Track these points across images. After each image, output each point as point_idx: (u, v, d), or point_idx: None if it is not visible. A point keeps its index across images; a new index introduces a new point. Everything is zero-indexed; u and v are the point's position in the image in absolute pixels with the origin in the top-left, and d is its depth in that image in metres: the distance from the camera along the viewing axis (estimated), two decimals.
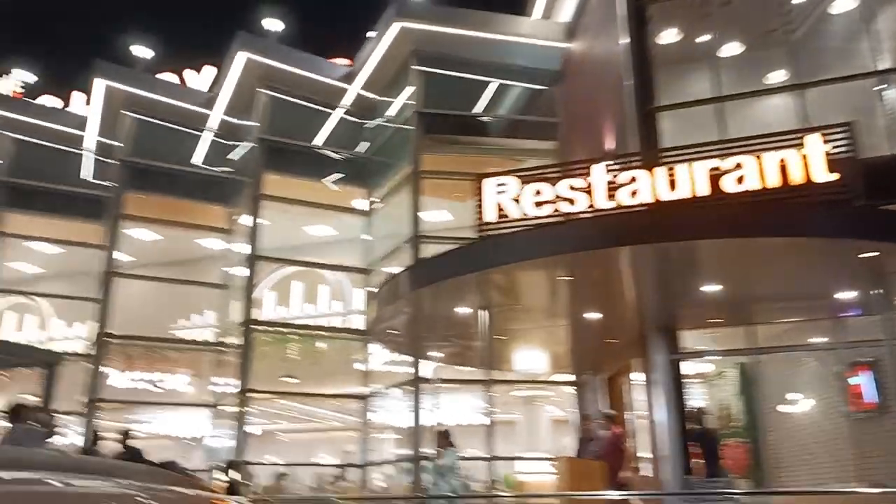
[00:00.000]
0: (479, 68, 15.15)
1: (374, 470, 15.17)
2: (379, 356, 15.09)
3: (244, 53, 15.07)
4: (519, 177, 9.08)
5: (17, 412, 7.79)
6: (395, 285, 9.23)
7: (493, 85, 15.34)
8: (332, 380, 15.95)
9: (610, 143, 11.62)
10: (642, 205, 8.33)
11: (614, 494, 8.61)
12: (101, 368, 14.87)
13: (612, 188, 8.57)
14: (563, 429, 15.94)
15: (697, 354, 10.77)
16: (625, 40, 11.01)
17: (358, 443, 15.65)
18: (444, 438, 11.28)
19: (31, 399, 10.91)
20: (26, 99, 19.36)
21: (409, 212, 14.06)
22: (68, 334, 18.44)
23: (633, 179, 8.54)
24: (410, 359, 13.41)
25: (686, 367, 9.97)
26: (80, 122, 17.11)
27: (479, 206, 8.97)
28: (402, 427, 14.63)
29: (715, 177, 8.26)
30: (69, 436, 16.10)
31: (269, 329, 15.17)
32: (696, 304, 9.46)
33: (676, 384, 9.50)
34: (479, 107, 15.19)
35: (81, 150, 17.24)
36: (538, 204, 8.85)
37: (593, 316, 10.09)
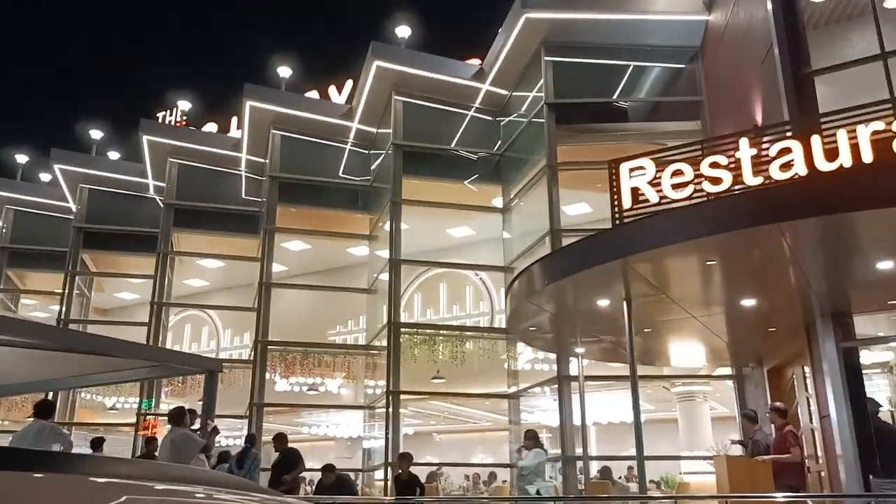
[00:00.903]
0: (612, 52, 14.57)
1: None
2: (525, 354, 14.88)
3: (376, 62, 15.41)
4: (654, 159, 8.54)
5: (177, 417, 8.32)
6: (528, 279, 8.97)
7: (629, 68, 14.68)
8: (480, 380, 15.91)
9: (759, 117, 10.71)
10: (796, 178, 7.53)
11: (784, 497, 7.85)
12: (263, 374, 15.72)
13: (762, 162, 7.83)
14: (725, 426, 14.95)
15: (875, 341, 9.66)
16: (772, 3, 10.10)
17: (508, 443, 15.50)
18: (529, 439, 10.90)
19: (183, 404, 11.73)
20: (190, 127, 20.91)
21: (547, 206, 13.74)
22: (236, 343, 19.79)
23: (786, 151, 7.75)
24: (555, 356, 13.09)
25: (862, 356, 8.95)
26: (236, 144, 18.23)
27: (615, 192, 8.52)
28: (551, 426, 14.31)
29: (880, 141, 7.31)
30: (233, 438, 17.25)
31: (415, 331, 15.39)
32: (871, 285, 8.45)
33: (851, 374, 8.54)
34: (615, 92, 14.59)
35: (238, 170, 18.36)
36: (678, 186, 8.27)
37: (751, 302, 9.29)
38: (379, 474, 15.12)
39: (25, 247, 19.86)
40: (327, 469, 10.94)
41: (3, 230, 20.00)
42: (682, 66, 14.42)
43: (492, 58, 15.51)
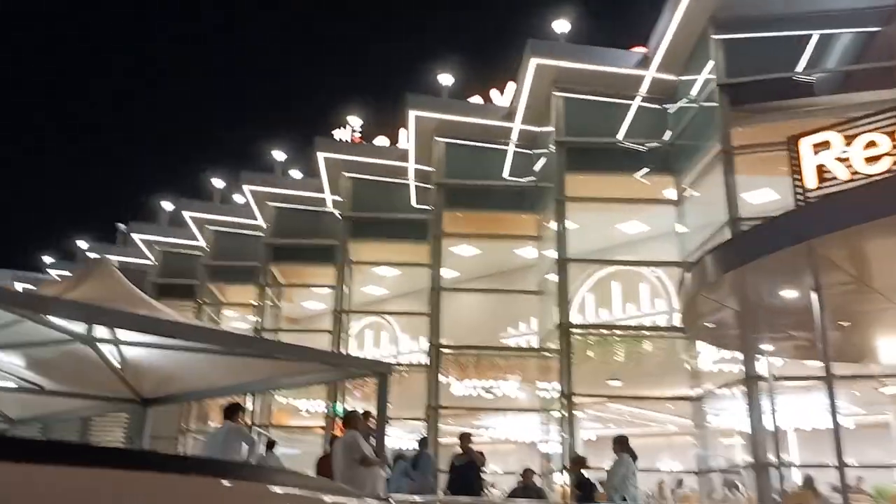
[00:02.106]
0: (791, 22, 13.30)
1: (716, 477, 13.96)
2: (709, 354, 13.92)
3: (535, 60, 15.20)
4: (840, 131, 7.61)
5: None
6: (701, 272, 8.32)
7: (811, 38, 13.32)
8: (659, 381, 15.13)
9: None
10: None
11: None
12: (437, 377, 15.99)
13: None
14: None
15: None
16: None
17: (695, 448, 14.58)
18: (617, 444, 10.18)
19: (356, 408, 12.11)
20: (363, 142, 21.88)
21: (724, 195, 12.78)
22: (413, 347, 20.33)
23: None
24: (741, 355, 12.10)
25: None
26: (403, 154, 18.80)
27: (796, 171, 7.70)
28: (739, 430, 13.26)
29: None
30: (404, 441, 17.68)
31: (588, 331, 14.95)
32: None
33: None
34: (796, 66, 13.29)
35: (407, 179, 18.91)
36: (872, 159, 7.31)
37: None
38: (558, 478, 14.82)
39: (224, 263, 21.72)
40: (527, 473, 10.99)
41: (206, 249, 21.99)
42: (875, 28, 12.86)
43: (655, 43, 14.76)
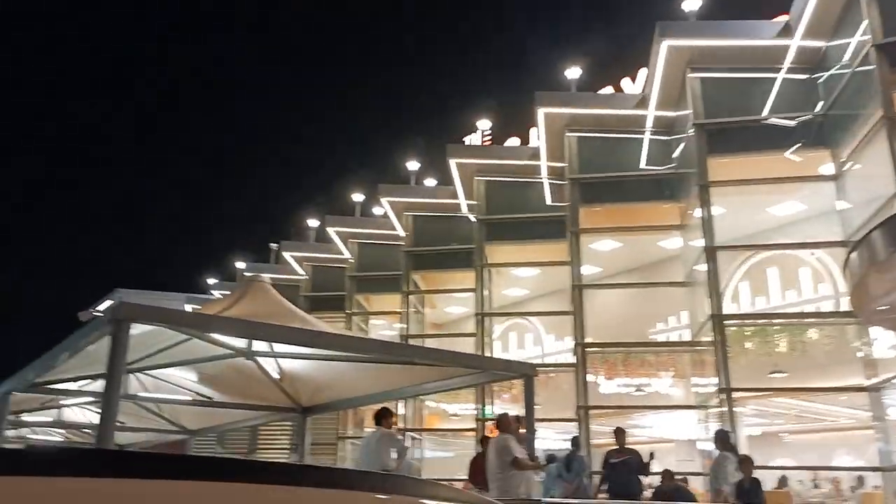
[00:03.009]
0: None
1: None
2: (884, 339, 12.73)
3: (665, 42, 14.59)
4: None
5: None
6: (868, 249, 7.59)
7: None
8: (828, 372, 14.01)
9: None
10: None
11: None
12: (585, 376, 15.68)
13: None
14: None
15: None
16: None
17: (876, 442, 13.36)
18: (718, 441, 9.55)
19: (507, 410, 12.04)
20: (494, 145, 21.94)
21: (890, 164, 11.64)
22: (559, 347, 20.08)
23: None
24: None
25: None
26: (535, 153, 18.65)
27: None
28: None
29: None
30: (562, 441, 17.39)
31: (744, 322, 14.12)
32: None
33: None
34: None
35: (540, 178, 18.73)
36: None
37: None
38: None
39: (369, 274, 22.48)
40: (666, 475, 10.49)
41: (351, 261, 22.86)
42: None
43: (798, 8, 13.74)
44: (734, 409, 13.40)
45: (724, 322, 13.85)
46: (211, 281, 27.72)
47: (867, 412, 13.82)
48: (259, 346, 8.55)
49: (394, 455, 8.30)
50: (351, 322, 22.11)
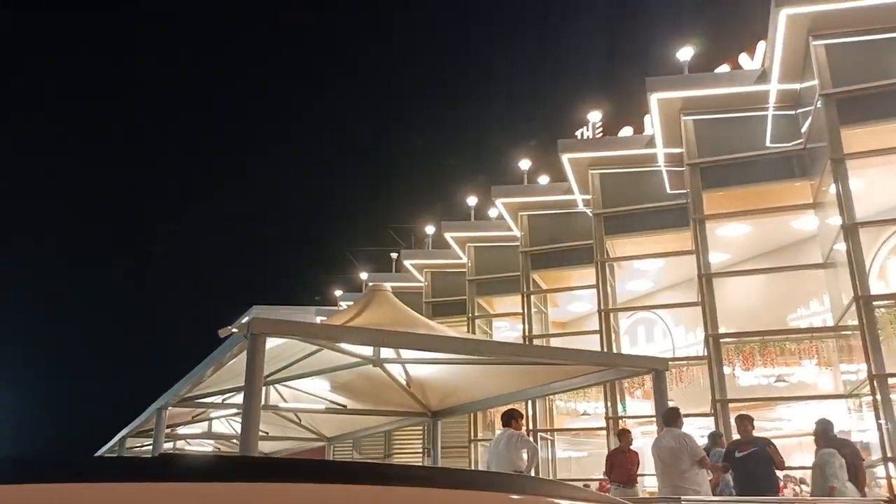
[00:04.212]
0: None
1: None
2: None
3: (785, 11, 13.76)
4: None
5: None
6: None
7: None
8: None
9: None
10: None
11: None
12: (720, 369, 15.03)
13: None
14: None
15: None
16: None
17: None
18: (818, 437, 9.04)
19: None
20: (605, 136, 21.48)
21: None
22: (690, 340, 19.37)
23: None
24: None
25: None
26: (650, 141, 18.11)
27: None
28: None
29: None
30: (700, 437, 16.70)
31: (893, 302, 13.07)
32: None
33: None
34: None
35: (657, 166, 18.16)
36: None
37: None
38: (880, 471, 13.09)
39: (488, 276, 22.58)
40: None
41: (469, 265, 23.05)
42: None
43: None
44: (889, 396, 12.42)
45: (871, 303, 12.87)
46: (338, 293, 28.76)
47: None
48: (386, 353, 8.78)
49: (524, 455, 8.27)
50: (473, 325, 22.26)
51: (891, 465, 11.88)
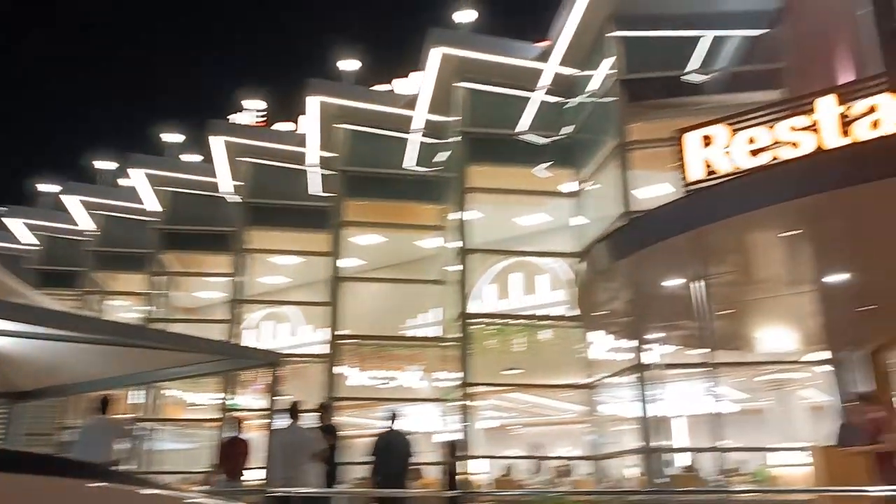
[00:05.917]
0: (686, 21, 13.81)
1: (607, 463, 14.37)
2: (601, 343, 14.29)
3: (438, 49, 15.12)
4: (730, 125, 7.90)
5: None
6: (594, 260, 8.47)
7: (705, 38, 13.86)
8: (557, 370, 15.43)
9: (846, 80, 9.82)
10: (886, 137, 6.77)
11: (882, 490, 7.08)
12: (337, 368, 15.72)
13: (846, 122, 7.09)
14: (822, 415, 13.95)
15: None
16: None
17: (588, 435, 14.96)
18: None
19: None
20: (263, 127, 21.21)
21: (620, 188, 13.12)
22: (314, 338, 19.88)
23: (874, 108, 6.99)
24: (633, 343, 12.47)
25: None
26: (303, 140, 18.33)
27: (682, 164, 7.93)
28: (630, 417, 13.69)
29: None
30: None
31: (486, 321, 15.04)
32: None
33: None
34: (691, 65, 13.79)
35: (306, 166, 18.44)
36: (753, 153, 7.62)
37: (844, 278, 8.41)
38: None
39: (113, 250, 20.54)
40: None
41: (93, 234, 20.79)
42: (763, 31, 13.49)
43: (555, 37, 14.97)
44: (471, 402, 14.22)
45: (469, 320, 14.64)
46: None
47: (584, 407, 15.43)
48: None
49: (116, 444, 7.66)
50: (87, 301, 20.10)
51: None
